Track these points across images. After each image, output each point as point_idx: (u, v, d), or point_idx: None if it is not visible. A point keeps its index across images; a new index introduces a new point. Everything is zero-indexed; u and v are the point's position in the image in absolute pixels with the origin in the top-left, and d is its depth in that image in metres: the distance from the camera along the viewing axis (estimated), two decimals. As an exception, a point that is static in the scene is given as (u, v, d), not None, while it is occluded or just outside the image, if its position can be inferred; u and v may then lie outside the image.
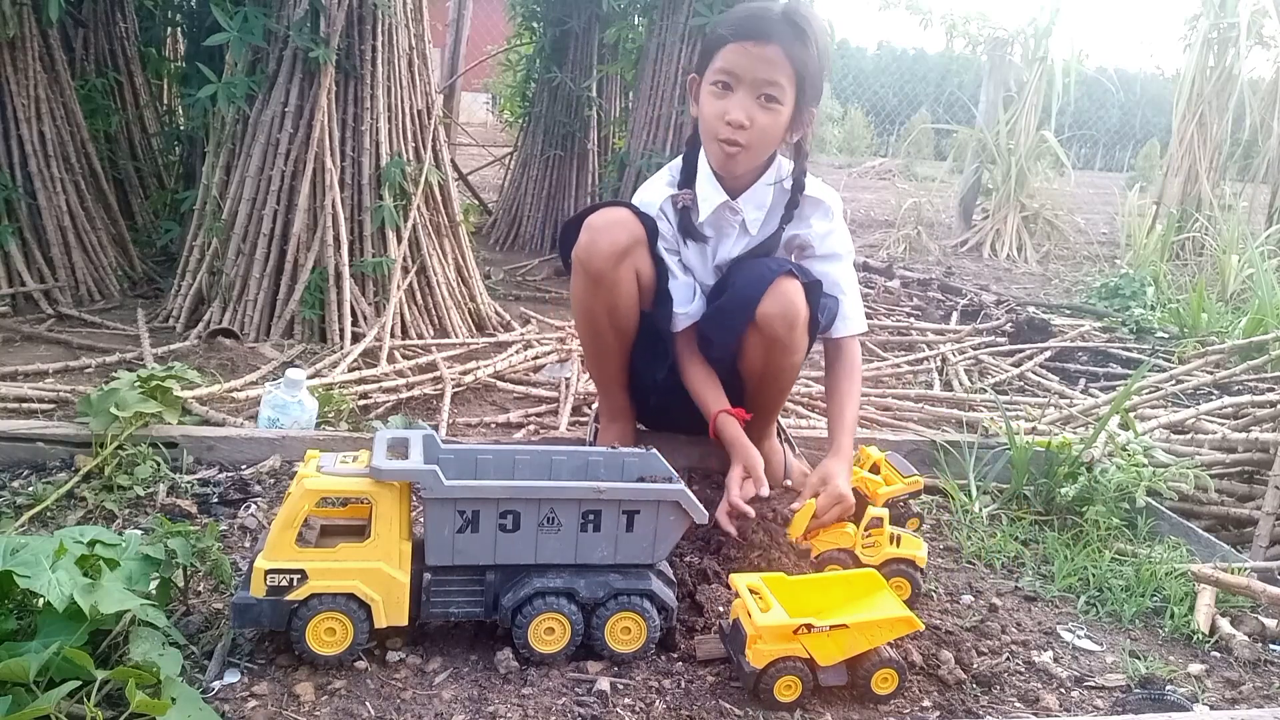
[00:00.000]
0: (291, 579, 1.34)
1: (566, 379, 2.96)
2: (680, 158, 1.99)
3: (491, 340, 3.52)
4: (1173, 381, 3.33)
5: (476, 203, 6.49)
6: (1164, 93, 13.46)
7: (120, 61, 4.10)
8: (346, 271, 3.28)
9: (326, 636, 1.36)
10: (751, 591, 1.42)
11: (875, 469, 1.96)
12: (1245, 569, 1.81)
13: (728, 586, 1.56)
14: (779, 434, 2.25)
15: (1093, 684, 1.53)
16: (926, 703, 1.43)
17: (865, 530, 1.72)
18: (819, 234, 1.97)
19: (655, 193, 1.96)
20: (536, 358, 3.25)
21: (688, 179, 1.94)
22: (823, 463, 1.86)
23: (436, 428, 2.46)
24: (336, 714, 1.29)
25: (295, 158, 3.24)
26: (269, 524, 1.57)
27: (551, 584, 1.42)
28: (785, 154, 1.95)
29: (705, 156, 1.93)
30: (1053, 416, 2.89)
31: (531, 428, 2.60)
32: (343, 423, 2.44)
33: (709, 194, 1.91)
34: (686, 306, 1.98)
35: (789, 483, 2.06)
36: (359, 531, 1.44)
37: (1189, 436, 2.59)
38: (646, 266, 1.93)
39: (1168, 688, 1.51)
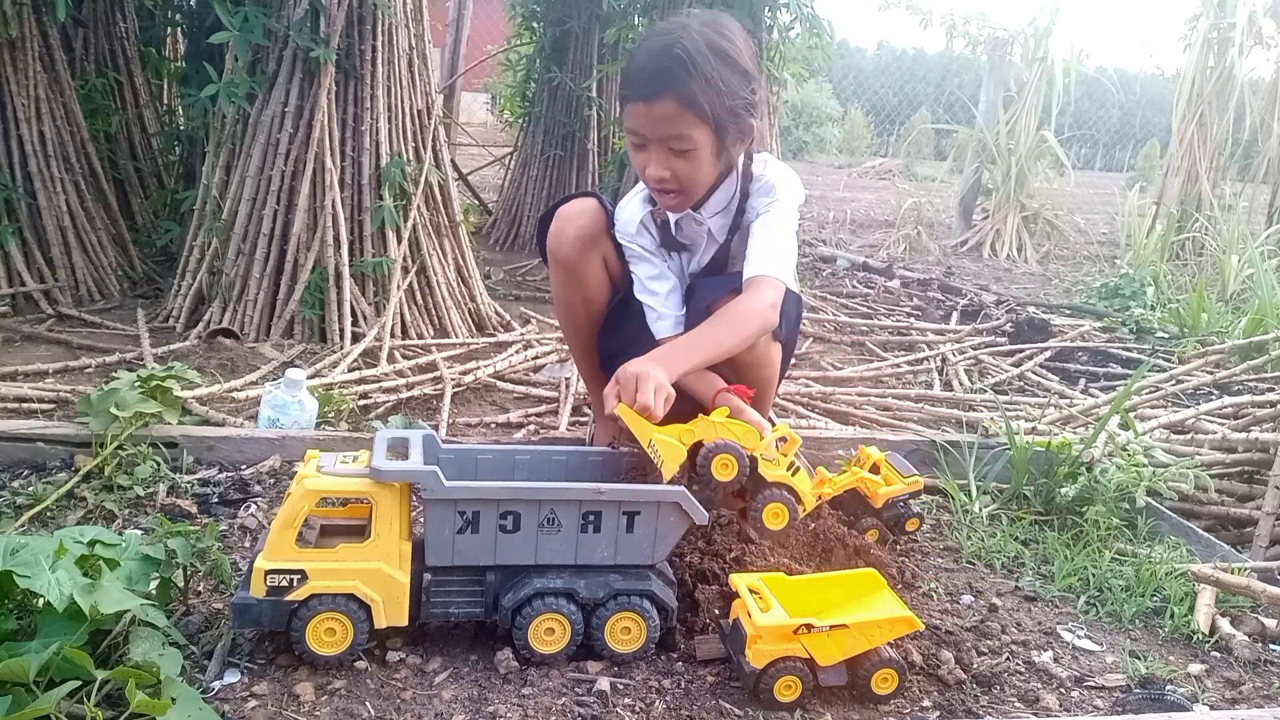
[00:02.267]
0: (291, 579, 1.34)
1: (566, 379, 2.96)
2: None
3: (491, 340, 3.51)
4: (1173, 381, 3.33)
5: (476, 203, 6.49)
6: (1164, 93, 13.46)
7: (120, 61, 4.10)
8: (346, 271, 3.28)
9: (326, 637, 1.36)
10: (751, 591, 1.42)
11: (875, 469, 1.96)
12: (1245, 569, 1.81)
13: (727, 586, 1.56)
14: None
15: (1093, 684, 1.53)
16: (926, 703, 1.43)
17: (775, 442, 1.61)
18: (763, 208, 1.91)
19: (633, 212, 1.96)
20: (536, 358, 3.25)
21: None
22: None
23: (436, 428, 2.46)
24: (336, 714, 1.29)
25: (295, 158, 3.24)
26: (269, 524, 1.57)
27: (551, 584, 1.42)
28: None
29: None
30: (1053, 416, 2.89)
31: (531, 428, 2.60)
32: (343, 423, 2.44)
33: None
34: (679, 310, 1.97)
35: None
36: (359, 531, 1.44)
37: (1189, 436, 2.59)
38: (613, 255, 1.98)
39: (1168, 688, 1.51)
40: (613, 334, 2.07)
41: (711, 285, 1.89)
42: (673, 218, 1.93)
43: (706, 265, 1.99)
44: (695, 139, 1.71)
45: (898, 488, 1.92)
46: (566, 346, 3.29)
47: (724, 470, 1.53)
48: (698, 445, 1.56)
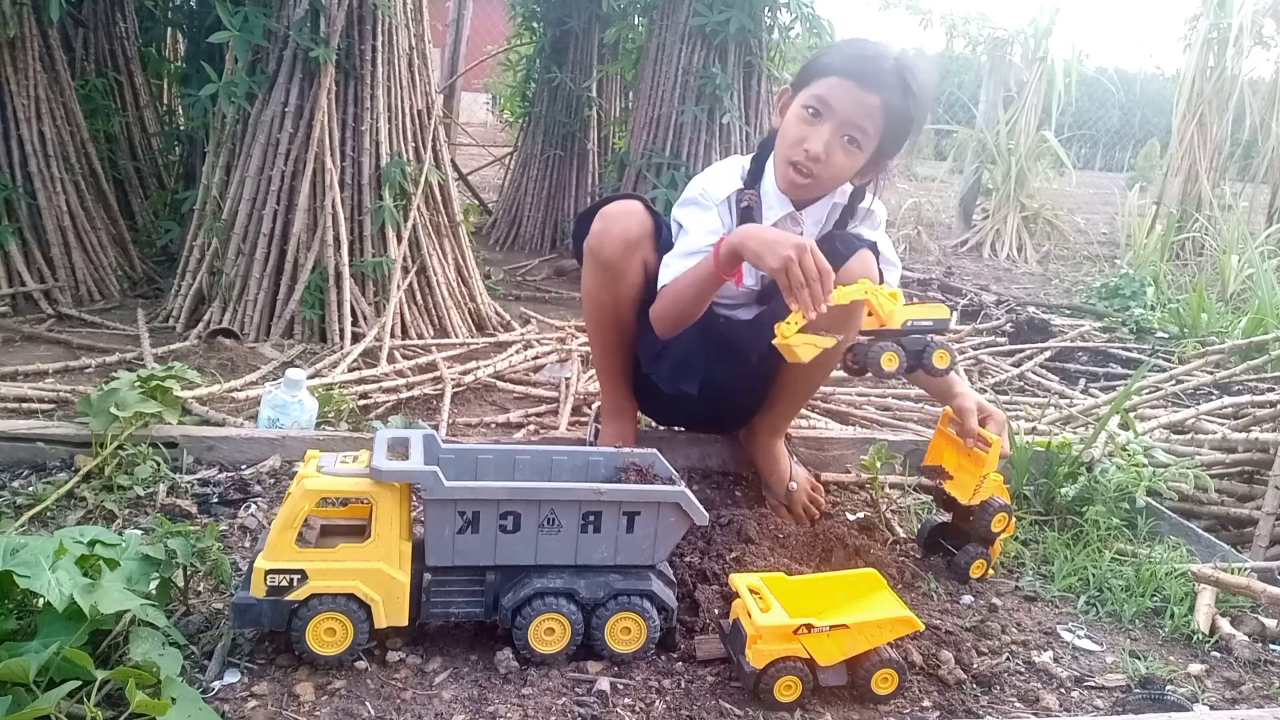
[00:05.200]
0: (291, 579, 1.34)
1: (566, 379, 2.96)
2: (751, 157, 1.94)
3: (491, 340, 3.52)
4: (1173, 381, 3.33)
5: (476, 203, 6.49)
6: (1164, 93, 13.43)
7: (120, 61, 4.10)
8: (346, 271, 3.28)
9: (326, 636, 1.36)
10: (751, 591, 1.42)
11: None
12: (1245, 569, 1.81)
13: (727, 586, 1.56)
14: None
15: (1093, 684, 1.53)
16: (926, 703, 1.43)
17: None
18: (868, 236, 1.96)
19: (726, 184, 1.91)
20: (536, 358, 3.25)
21: (754, 180, 1.92)
22: (960, 396, 1.89)
23: (436, 428, 2.46)
24: (336, 714, 1.29)
25: (295, 158, 3.24)
26: (269, 524, 1.57)
27: (552, 584, 1.42)
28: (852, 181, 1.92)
29: (773, 169, 1.90)
30: (1053, 416, 2.89)
31: (531, 428, 2.60)
32: (343, 423, 2.44)
33: (774, 203, 1.90)
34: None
35: (794, 485, 2.06)
36: (359, 531, 1.44)
37: (1189, 436, 2.58)
38: (652, 259, 1.94)
39: (1168, 688, 1.51)
40: (653, 335, 2.02)
41: (845, 238, 1.87)
42: (770, 215, 1.89)
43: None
44: (868, 142, 1.77)
45: (917, 310, 1.69)
46: (569, 348, 3.31)
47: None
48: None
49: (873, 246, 1.90)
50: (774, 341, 1.58)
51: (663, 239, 1.94)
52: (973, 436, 1.84)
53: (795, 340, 1.54)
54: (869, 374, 1.68)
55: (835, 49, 1.82)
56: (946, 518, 1.95)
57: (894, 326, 1.65)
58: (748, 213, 1.91)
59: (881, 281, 1.84)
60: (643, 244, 1.92)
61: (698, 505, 1.45)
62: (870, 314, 1.66)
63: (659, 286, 1.89)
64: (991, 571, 1.88)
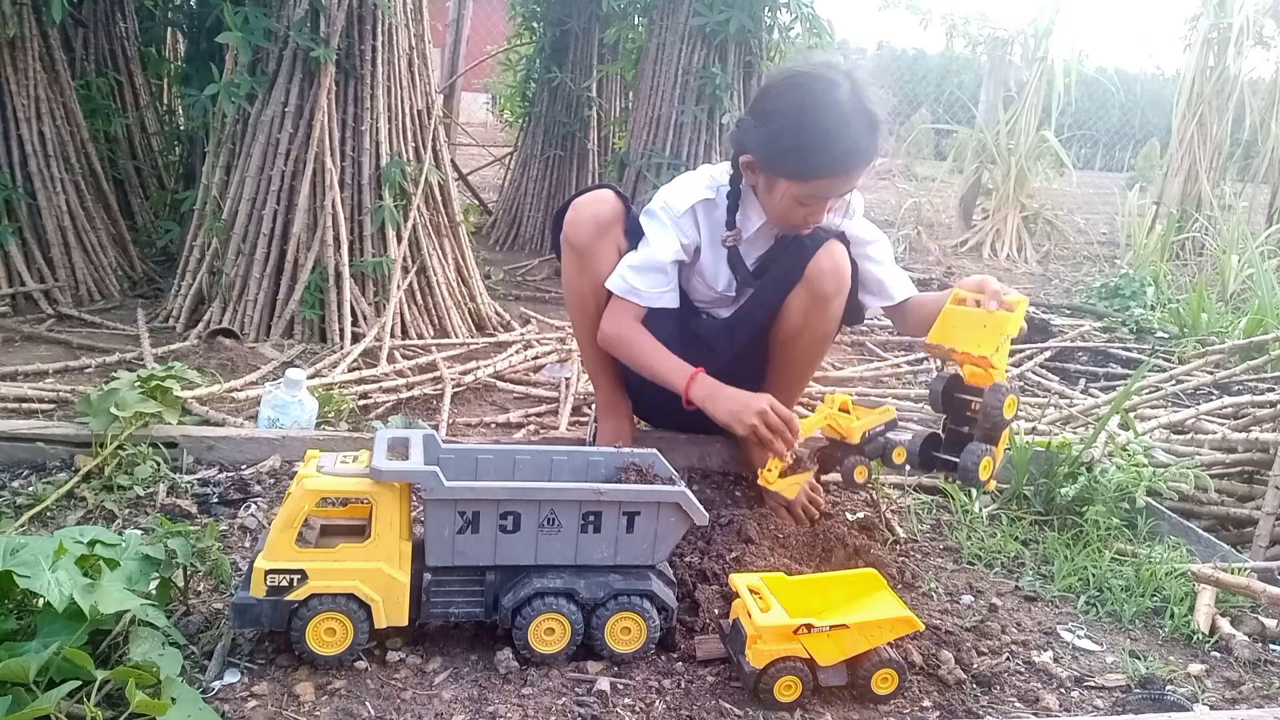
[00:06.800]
0: (291, 579, 1.34)
1: (566, 379, 2.96)
2: (725, 174, 1.93)
3: (491, 340, 3.52)
4: (1173, 381, 3.33)
5: (476, 203, 6.49)
6: (1164, 93, 13.42)
7: (120, 61, 4.10)
8: (346, 271, 3.28)
9: (326, 636, 1.36)
10: (751, 591, 1.42)
11: (844, 410, 1.91)
12: (1245, 569, 1.81)
13: (727, 586, 1.56)
14: None
15: (1093, 684, 1.53)
16: (926, 703, 1.43)
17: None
18: (849, 224, 1.99)
19: (689, 195, 1.93)
20: (536, 358, 3.25)
21: (734, 205, 1.92)
22: (966, 281, 1.76)
23: (436, 428, 2.46)
24: (336, 714, 1.29)
25: (295, 158, 3.24)
26: (269, 524, 1.57)
27: (551, 584, 1.42)
28: None
29: (753, 196, 1.91)
30: (1053, 416, 2.89)
31: (531, 428, 2.60)
32: (343, 423, 2.44)
33: (752, 215, 1.94)
34: (652, 300, 1.94)
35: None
36: (359, 531, 1.44)
37: (1189, 436, 2.58)
38: (625, 245, 1.99)
39: (1168, 688, 1.51)
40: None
41: (811, 234, 1.92)
42: (744, 228, 1.93)
43: (755, 263, 2.00)
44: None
45: (871, 419, 1.83)
46: (570, 348, 3.31)
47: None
48: None
49: (840, 236, 1.94)
50: (760, 483, 1.76)
51: (632, 221, 1.98)
52: (996, 299, 1.65)
53: (780, 484, 1.75)
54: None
55: (815, 148, 1.73)
56: (935, 429, 1.82)
57: (854, 442, 1.79)
58: (735, 252, 1.95)
59: (857, 274, 1.97)
60: (613, 227, 1.97)
61: (698, 505, 1.45)
62: (834, 430, 1.80)
63: (608, 286, 1.95)
64: (993, 484, 1.72)
